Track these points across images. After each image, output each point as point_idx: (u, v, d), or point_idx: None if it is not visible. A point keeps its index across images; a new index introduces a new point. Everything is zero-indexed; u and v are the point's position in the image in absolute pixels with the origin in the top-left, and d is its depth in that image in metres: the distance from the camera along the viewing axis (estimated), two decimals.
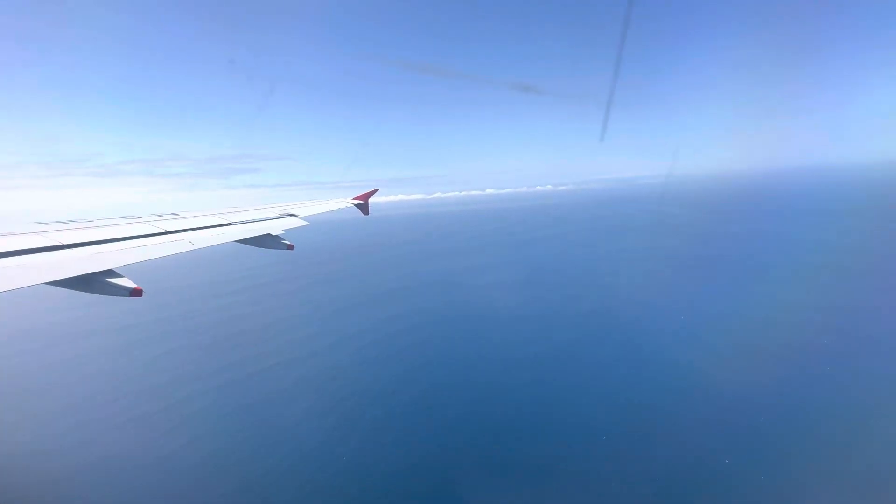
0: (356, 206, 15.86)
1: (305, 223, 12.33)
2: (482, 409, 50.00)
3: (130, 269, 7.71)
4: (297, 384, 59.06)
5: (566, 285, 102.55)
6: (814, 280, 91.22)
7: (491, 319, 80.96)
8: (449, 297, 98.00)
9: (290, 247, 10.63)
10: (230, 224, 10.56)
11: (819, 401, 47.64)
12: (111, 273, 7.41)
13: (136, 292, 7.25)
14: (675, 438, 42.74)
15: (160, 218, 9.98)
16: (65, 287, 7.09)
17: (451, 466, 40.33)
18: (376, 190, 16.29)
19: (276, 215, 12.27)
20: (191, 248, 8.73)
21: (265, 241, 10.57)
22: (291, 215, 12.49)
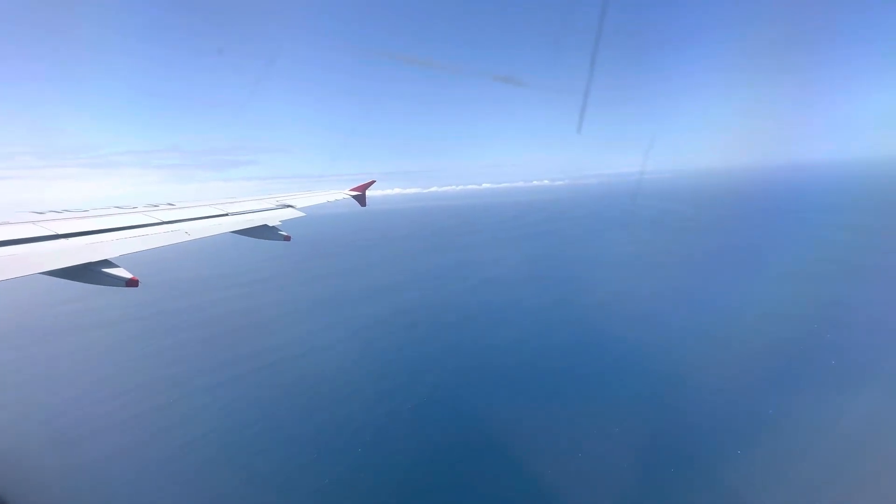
0: (353, 197, 15.80)
1: (302, 214, 12.31)
2: (487, 402, 50.39)
3: (126, 260, 7.67)
4: (304, 379, 58.56)
5: (570, 280, 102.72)
6: (816, 275, 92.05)
7: (496, 313, 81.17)
8: (453, 292, 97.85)
9: (287, 238, 10.63)
10: (227, 215, 10.52)
11: (823, 394, 48.29)
12: (107, 263, 7.38)
13: (132, 282, 7.22)
14: (684, 431, 43.57)
15: (156, 208, 9.93)
16: (60, 277, 7.07)
17: (459, 459, 40.88)
18: (374, 181, 16.20)
19: (273, 206, 12.23)
20: (187, 238, 8.70)
21: (262, 233, 10.54)
22: (288, 206, 12.44)
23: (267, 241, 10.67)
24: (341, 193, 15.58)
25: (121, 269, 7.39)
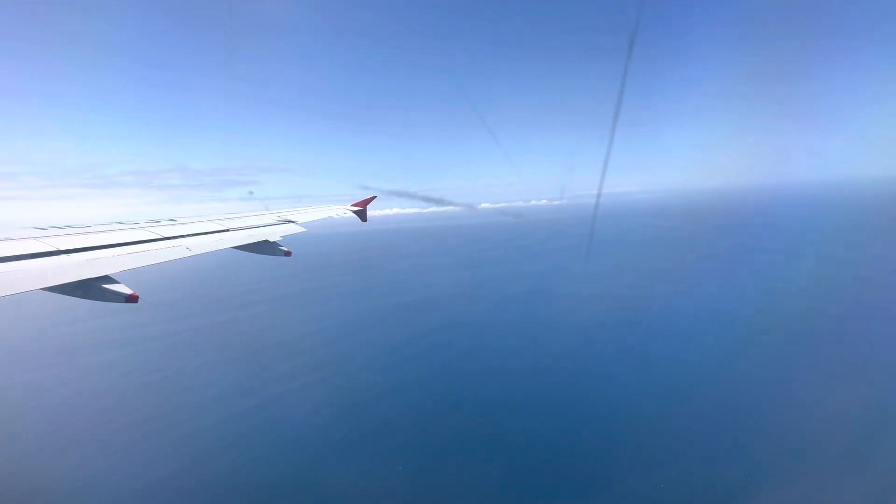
0: (354, 212, 15.88)
1: (304, 230, 12.32)
2: (500, 416, 51.15)
3: (127, 276, 7.64)
4: (325, 401, 57.62)
5: (575, 296, 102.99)
6: (812, 289, 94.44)
7: (506, 331, 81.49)
8: (480, 311, 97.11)
9: (287, 253, 10.61)
10: (228, 230, 10.52)
11: (828, 402, 50.07)
12: (107, 279, 7.34)
13: (131, 298, 7.18)
14: (695, 444, 44.34)
15: (157, 224, 9.93)
16: (60, 293, 7.03)
17: (480, 474, 41.57)
18: (374, 197, 16.28)
19: (274, 221, 12.23)
20: (188, 254, 8.68)
21: (263, 248, 10.53)
22: (289, 221, 12.45)
23: (268, 256, 10.65)
24: (342, 209, 15.64)
25: (121, 284, 7.35)
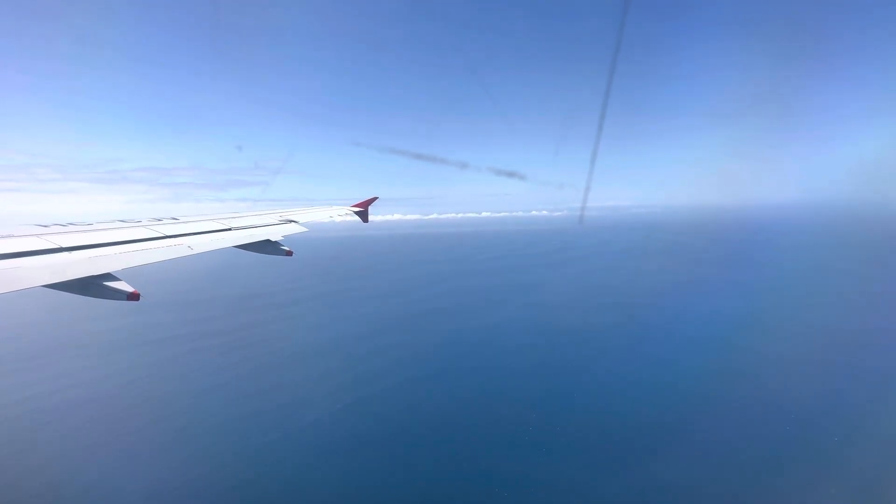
0: (356, 213, 15.92)
1: (305, 230, 12.36)
2: (513, 423, 52.27)
3: (129, 274, 7.62)
4: (341, 413, 57.31)
5: (586, 304, 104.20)
6: (809, 298, 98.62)
7: (521, 339, 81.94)
8: (507, 318, 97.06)
9: (289, 253, 10.63)
10: (230, 229, 10.54)
11: (826, 403, 52.43)
12: (109, 277, 7.34)
13: (133, 296, 7.17)
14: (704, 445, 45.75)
15: (159, 222, 9.94)
16: (62, 290, 7.02)
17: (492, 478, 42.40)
18: (376, 198, 16.32)
19: (275, 221, 12.32)
20: (190, 252, 8.68)
21: (264, 247, 10.55)
22: (291, 221, 12.52)
23: (270, 255, 10.67)
24: (344, 210, 15.71)
25: (122, 282, 7.34)
